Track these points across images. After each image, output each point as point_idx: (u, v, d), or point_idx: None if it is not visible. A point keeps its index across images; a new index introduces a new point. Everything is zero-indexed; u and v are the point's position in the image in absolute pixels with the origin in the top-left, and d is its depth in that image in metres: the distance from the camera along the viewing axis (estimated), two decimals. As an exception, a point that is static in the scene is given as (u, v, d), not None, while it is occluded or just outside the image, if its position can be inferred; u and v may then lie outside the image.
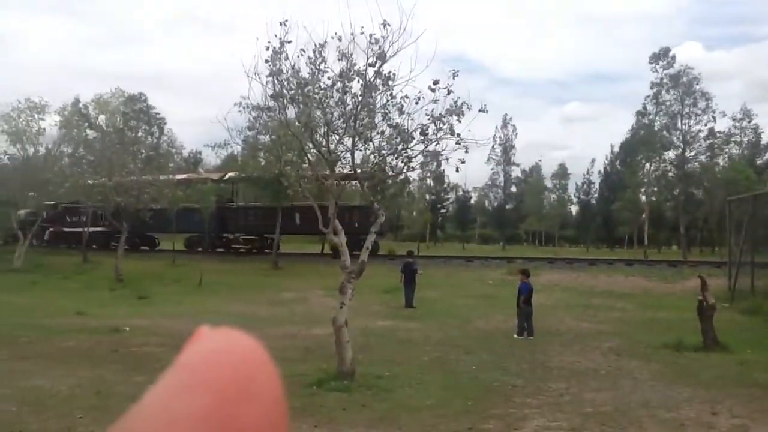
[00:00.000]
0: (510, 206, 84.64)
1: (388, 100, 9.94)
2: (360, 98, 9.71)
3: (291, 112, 10.31)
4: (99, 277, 26.13)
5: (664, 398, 8.14)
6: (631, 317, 16.51)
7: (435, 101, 9.62)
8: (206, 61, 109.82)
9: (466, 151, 9.84)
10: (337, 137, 10.08)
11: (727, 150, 52.33)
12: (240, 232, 32.45)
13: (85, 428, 6.59)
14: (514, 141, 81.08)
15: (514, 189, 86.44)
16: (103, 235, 33.98)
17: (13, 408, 7.13)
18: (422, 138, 9.79)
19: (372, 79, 9.67)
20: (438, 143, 9.83)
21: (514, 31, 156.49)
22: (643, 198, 54.58)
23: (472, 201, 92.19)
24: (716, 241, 53.21)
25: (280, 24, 9.81)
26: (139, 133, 31.46)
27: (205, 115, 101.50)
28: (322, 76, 9.92)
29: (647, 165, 52.41)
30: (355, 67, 9.78)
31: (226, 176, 32.69)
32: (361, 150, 10.24)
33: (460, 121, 9.67)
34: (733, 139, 52.01)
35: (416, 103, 9.77)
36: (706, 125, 49.82)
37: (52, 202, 33.11)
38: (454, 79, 9.72)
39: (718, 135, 51.30)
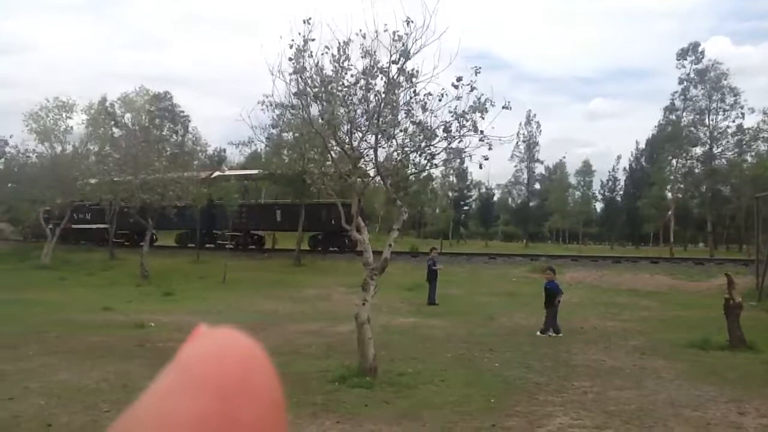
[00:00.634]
0: (533, 203, 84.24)
1: (411, 98, 9.94)
2: (383, 95, 9.71)
3: (314, 109, 10.35)
4: (125, 273, 26.47)
5: (690, 397, 8.05)
6: (657, 316, 16.34)
7: (458, 98, 9.60)
8: (231, 60, 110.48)
9: (490, 148, 9.82)
10: (361, 134, 10.09)
11: (755, 146, 51.42)
12: (226, 229, 32.99)
13: (111, 421, 6.60)
14: (538, 138, 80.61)
15: (537, 186, 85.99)
16: (106, 232, 34.82)
17: (41, 401, 7.25)
18: (445, 135, 9.78)
19: (395, 77, 9.67)
20: (461, 140, 9.82)
21: (538, 27, 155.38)
22: (669, 195, 53.95)
23: (495, 198, 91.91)
24: (743, 238, 52.45)
25: (304, 22, 9.86)
26: (164, 131, 31.76)
27: (230, 113, 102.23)
28: (346, 73, 9.93)
29: (674, 161, 51.74)
30: (379, 65, 9.78)
31: (213, 175, 33.14)
32: (384, 147, 10.25)
33: (483, 118, 9.64)
34: (761, 135, 51.05)
35: (439, 100, 9.76)
36: (734, 121, 49.04)
37: (79, 201, 33.57)
38: (477, 75, 9.67)
39: (746, 131, 50.45)
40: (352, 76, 9.93)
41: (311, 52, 9.92)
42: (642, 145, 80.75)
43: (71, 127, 40.59)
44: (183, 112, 58.74)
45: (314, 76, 10.01)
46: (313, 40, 9.89)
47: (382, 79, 9.79)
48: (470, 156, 10.07)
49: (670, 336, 12.76)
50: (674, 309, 17.54)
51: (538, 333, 12.94)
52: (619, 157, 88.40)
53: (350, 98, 9.98)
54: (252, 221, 31.81)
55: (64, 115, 41.21)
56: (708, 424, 6.92)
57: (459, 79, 9.56)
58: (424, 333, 12.99)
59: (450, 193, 73.77)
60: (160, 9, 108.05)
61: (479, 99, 9.62)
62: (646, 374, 9.49)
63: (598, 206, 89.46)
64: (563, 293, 13.69)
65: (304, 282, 23.39)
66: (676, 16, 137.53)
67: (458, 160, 12.32)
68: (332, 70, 10.00)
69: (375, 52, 9.81)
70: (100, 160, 33.67)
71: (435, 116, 9.82)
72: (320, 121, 10.18)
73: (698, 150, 50.52)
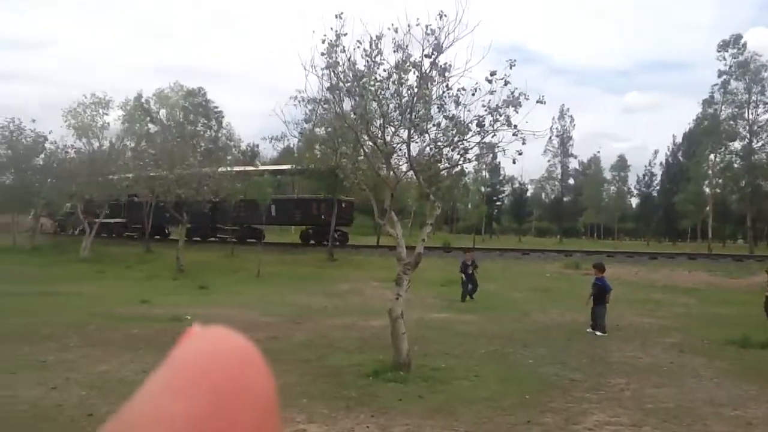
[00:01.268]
0: (567, 199, 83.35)
1: (444, 92, 9.88)
2: (416, 90, 9.68)
3: (347, 104, 10.36)
4: (161, 267, 26.87)
5: (730, 396, 7.89)
6: (695, 313, 16.04)
7: (492, 92, 9.51)
8: (264, 54, 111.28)
9: (524, 143, 9.71)
10: (393, 129, 10.08)
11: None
12: (228, 224, 33.79)
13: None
14: (572, 132, 79.74)
15: (571, 181, 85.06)
16: (122, 226, 36.44)
17: (83, 392, 7.40)
18: (478, 130, 9.71)
19: (428, 71, 9.63)
20: (495, 135, 9.74)
21: (571, 18, 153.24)
22: (707, 190, 52.90)
23: (529, 193, 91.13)
24: (785, 234, 51.18)
25: (336, 17, 9.88)
26: (198, 127, 32.07)
27: (262, 108, 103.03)
28: (378, 68, 9.92)
29: (712, 156, 50.68)
30: (411, 59, 9.75)
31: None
32: (416, 142, 10.21)
33: (517, 112, 9.55)
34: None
35: (473, 94, 9.68)
36: (774, 114, 47.79)
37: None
38: (510, 69, 9.58)
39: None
40: (384, 70, 9.92)
41: (343, 46, 9.94)
42: (679, 140, 79.41)
43: (108, 123, 41.31)
44: (217, 107, 59.43)
45: (347, 70, 10.02)
46: (345, 34, 9.91)
47: (414, 73, 9.76)
48: (504, 151, 9.97)
49: (708, 333, 12.52)
50: (713, 306, 17.20)
51: (588, 330, 12.65)
52: (655, 152, 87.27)
53: (383, 93, 9.96)
54: (250, 216, 32.19)
55: (101, 111, 41.99)
56: (749, 423, 6.78)
57: (493, 73, 9.48)
58: (457, 329, 12.94)
59: (482, 189, 73.34)
60: (196, 4, 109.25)
61: (513, 93, 9.53)
62: (684, 372, 9.33)
63: (634, 201, 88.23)
64: (612, 290, 13.33)
65: (337, 276, 23.49)
66: (714, 5, 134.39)
67: (491, 155, 12.27)
68: (364, 65, 10.01)
69: (407, 46, 9.79)
70: (136, 155, 34.23)
71: (468, 110, 9.75)
72: (353, 115, 10.19)
73: (737, 144, 49.43)
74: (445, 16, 9.49)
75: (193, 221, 33.31)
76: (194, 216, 31.71)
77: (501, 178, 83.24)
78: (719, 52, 48.67)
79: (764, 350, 10.76)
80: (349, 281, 22.14)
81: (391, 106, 9.98)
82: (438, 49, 9.52)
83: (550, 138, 76.60)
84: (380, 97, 9.89)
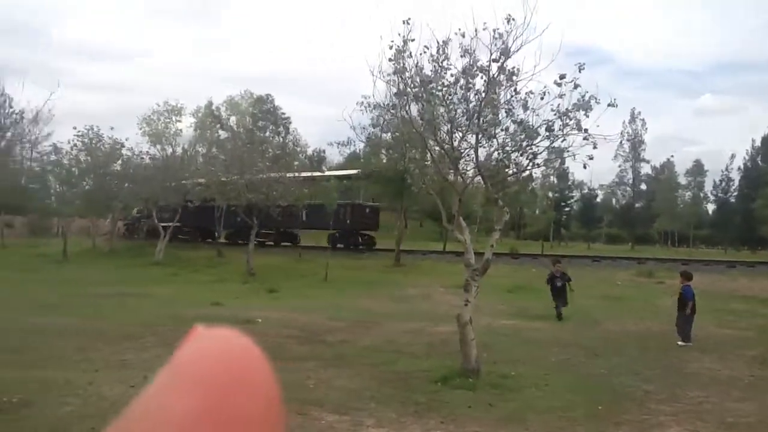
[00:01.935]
0: (639, 204, 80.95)
1: (512, 96, 9.81)
2: (483, 95, 9.62)
3: (414, 109, 10.38)
4: (231, 270, 27.49)
5: (817, 412, 7.49)
6: (777, 324, 15.29)
7: (561, 96, 9.37)
8: (330, 60, 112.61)
9: (595, 147, 9.52)
10: (461, 134, 10.04)
11: None
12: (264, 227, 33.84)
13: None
14: (644, 136, 77.40)
15: (643, 186, 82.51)
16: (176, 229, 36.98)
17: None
18: (548, 134, 9.57)
19: (495, 75, 9.55)
20: (564, 139, 9.58)
21: (641, 19, 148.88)
22: (789, 196, 50.50)
23: (598, 199, 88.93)
24: None
25: (403, 22, 9.93)
26: (267, 133, 32.76)
27: (326, 113, 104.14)
28: (445, 73, 9.92)
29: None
30: (479, 64, 9.70)
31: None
32: (484, 147, 10.14)
33: (587, 116, 9.37)
34: None
35: (541, 98, 9.57)
36: None
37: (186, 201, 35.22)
38: (580, 72, 9.41)
39: None
40: (451, 75, 9.91)
41: (410, 52, 9.97)
42: (758, 143, 76.04)
43: (180, 130, 42.69)
44: (284, 113, 60.87)
45: (414, 76, 10.05)
46: (412, 40, 9.95)
47: (482, 78, 9.70)
48: (573, 155, 9.80)
49: (793, 346, 11.92)
50: (797, 317, 16.37)
51: (680, 343, 12.17)
52: (732, 156, 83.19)
53: (450, 98, 9.95)
54: (285, 220, 32.71)
55: (173, 118, 43.48)
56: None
57: (562, 76, 9.33)
58: (526, 336, 12.74)
59: (550, 194, 72.08)
60: (263, 10, 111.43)
61: (583, 96, 9.36)
62: (766, 386, 8.92)
63: (710, 208, 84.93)
64: (693, 298, 12.79)
65: (404, 282, 23.50)
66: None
67: (559, 160, 12.05)
68: (432, 70, 10.01)
69: (474, 50, 9.76)
70: (207, 161, 35.25)
71: (537, 115, 9.65)
72: (421, 121, 10.20)
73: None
74: (513, 19, 9.41)
75: (235, 225, 34.73)
76: (237, 220, 32.56)
77: (570, 183, 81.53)
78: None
79: None
80: (416, 286, 22.12)
81: (459, 111, 9.95)
82: (506, 53, 9.44)
83: (620, 142, 74.54)
84: (448, 102, 9.88)
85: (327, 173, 37.23)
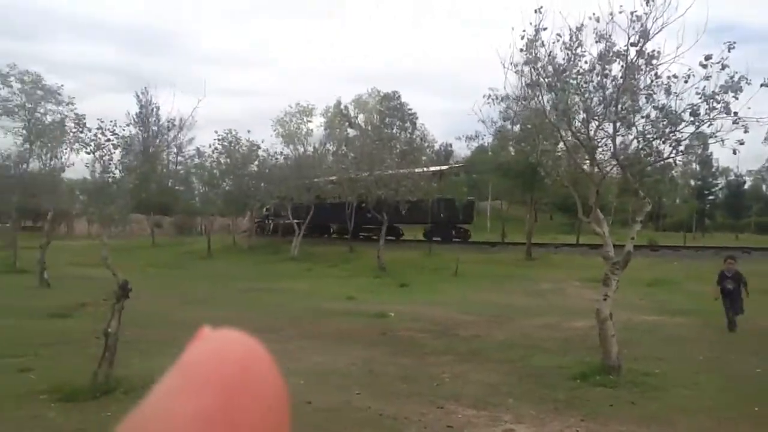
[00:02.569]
0: (793, 191, 74.53)
1: (652, 81, 9.33)
2: (621, 81, 9.23)
3: (546, 99, 10.12)
4: (362, 265, 28.12)
5: None
6: None
7: (707, 78, 8.80)
8: (454, 52, 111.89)
9: (746, 131, 8.87)
10: (597, 123, 9.69)
11: None
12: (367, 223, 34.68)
13: (362, 403, 7.16)
14: (799, 116, 71.03)
15: (798, 171, 75.89)
16: (290, 227, 38.04)
17: (301, 381, 7.96)
18: (692, 119, 9.03)
19: (634, 60, 9.14)
20: (711, 124, 8.99)
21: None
22: None
23: (746, 186, 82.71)
24: None
25: (535, 11, 9.71)
26: (394, 129, 33.17)
27: (449, 106, 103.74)
28: (580, 60, 9.61)
29: None
30: (615, 48, 9.32)
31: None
32: (622, 135, 9.74)
33: (737, 98, 8.75)
34: None
35: (685, 81, 9.04)
36: None
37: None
38: (729, 52, 8.80)
39: None
40: (586, 62, 9.59)
41: (542, 41, 9.75)
42: None
43: (311, 130, 44.18)
44: (411, 109, 61.50)
45: (546, 65, 9.81)
46: (544, 29, 9.71)
47: (619, 63, 9.32)
48: (722, 141, 9.18)
49: None
50: None
51: None
52: None
53: (585, 86, 9.63)
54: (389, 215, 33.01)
55: (305, 119, 45.13)
56: None
57: (708, 57, 8.76)
58: (669, 332, 12.13)
59: (692, 182, 67.94)
60: (389, 5, 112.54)
61: (732, 77, 8.74)
62: None
63: None
64: None
65: (537, 276, 23.05)
66: None
67: (701, 146, 11.35)
68: (565, 59, 9.73)
69: (610, 35, 9.39)
70: (337, 159, 36.21)
71: (680, 99, 9.12)
72: (554, 111, 9.94)
73: None
74: (652, 0, 8.95)
75: (341, 221, 36.14)
76: (342, 216, 34.31)
77: (714, 169, 76.44)
78: None
79: None
80: (549, 280, 21.64)
81: (595, 99, 9.60)
82: (645, 36, 9.00)
83: (771, 124, 68.88)
84: (583, 90, 9.57)
85: (429, 169, 37.28)
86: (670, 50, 8.97)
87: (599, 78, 9.47)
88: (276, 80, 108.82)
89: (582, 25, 9.57)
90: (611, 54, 9.34)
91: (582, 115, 9.66)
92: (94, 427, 6.15)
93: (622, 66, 9.24)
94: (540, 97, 10.06)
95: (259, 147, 37.30)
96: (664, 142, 9.43)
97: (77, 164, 20.29)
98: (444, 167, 38.66)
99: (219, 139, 35.92)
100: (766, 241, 48.04)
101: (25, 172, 23.63)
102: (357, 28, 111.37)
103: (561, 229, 49.22)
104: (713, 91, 8.79)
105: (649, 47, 9.07)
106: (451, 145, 71.97)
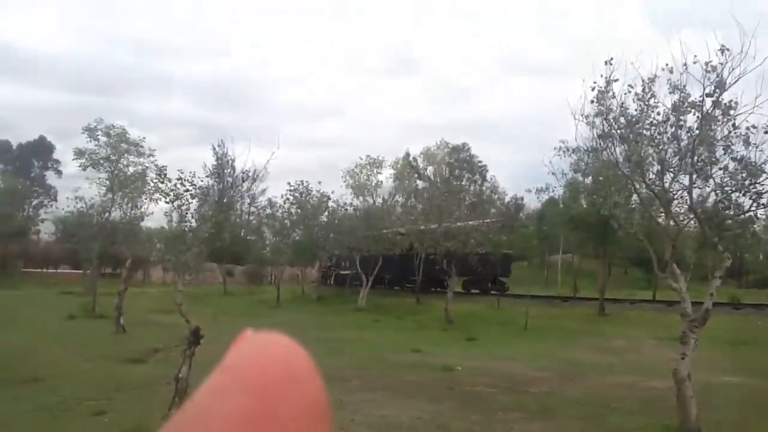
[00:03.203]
0: None
1: (730, 132, 9.08)
2: (697, 132, 9.02)
3: (618, 151, 9.96)
4: (430, 318, 27.82)
5: None
6: None
7: (790, 128, 8.52)
8: (525, 106, 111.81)
9: (834, 182, 8.49)
10: (672, 175, 9.46)
11: None
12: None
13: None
14: None
15: None
16: (350, 277, 39.29)
17: (366, 433, 7.89)
18: (774, 171, 8.71)
19: (710, 110, 8.94)
20: (795, 176, 8.65)
21: None
22: None
23: (839, 240, 78.18)
24: None
25: (606, 63, 9.65)
26: (463, 181, 33.20)
27: (522, 159, 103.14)
28: (653, 111, 9.46)
29: None
30: (690, 99, 9.15)
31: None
32: (699, 188, 9.46)
33: (823, 149, 8.41)
34: None
35: (765, 132, 8.78)
36: None
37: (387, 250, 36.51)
38: (813, 99, 8.50)
39: None
40: (659, 113, 9.43)
41: (614, 92, 9.66)
42: None
43: (381, 182, 44.64)
44: (480, 162, 61.65)
45: (618, 116, 9.70)
46: (616, 80, 9.64)
47: (694, 114, 9.12)
48: (808, 194, 8.80)
49: None
50: None
51: None
52: None
53: (659, 137, 9.46)
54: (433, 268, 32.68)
55: (374, 170, 45.69)
56: None
57: (789, 105, 8.49)
58: (754, 395, 11.44)
59: (777, 237, 64.82)
60: (456, 58, 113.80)
61: (817, 127, 8.43)
62: None
63: None
64: None
65: (609, 332, 22.26)
66: None
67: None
68: (637, 110, 9.60)
69: (684, 86, 9.22)
70: (406, 210, 36.41)
71: (760, 150, 8.83)
72: (627, 163, 9.76)
73: None
74: (728, 50, 8.78)
75: (389, 272, 37.07)
76: (389, 268, 35.10)
77: (800, 223, 72.83)
78: None
79: None
80: (624, 337, 20.84)
81: (669, 150, 9.40)
82: (721, 86, 8.82)
83: None
84: (656, 141, 9.39)
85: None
86: (748, 100, 8.74)
87: (673, 129, 9.30)
88: (345, 131, 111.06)
89: (655, 76, 9.46)
90: (686, 105, 9.17)
91: (656, 167, 9.46)
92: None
93: (698, 117, 9.04)
94: (612, 149, 9.92)
95: (329, 198, 37.90)
96: (743, 195, 9.12)
97: (156, 213, 21.21)
98: (491, 219, 38.29)
99: (291, 190, 36.69)
100: None
101: (107, 221, 24.70)
102: (429, 82, 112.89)
103: (637, 285, 47.61)
104: (796, 142, 8.49)
105: (725, 97, 8.88)
106: (522, 198, 71.44)
